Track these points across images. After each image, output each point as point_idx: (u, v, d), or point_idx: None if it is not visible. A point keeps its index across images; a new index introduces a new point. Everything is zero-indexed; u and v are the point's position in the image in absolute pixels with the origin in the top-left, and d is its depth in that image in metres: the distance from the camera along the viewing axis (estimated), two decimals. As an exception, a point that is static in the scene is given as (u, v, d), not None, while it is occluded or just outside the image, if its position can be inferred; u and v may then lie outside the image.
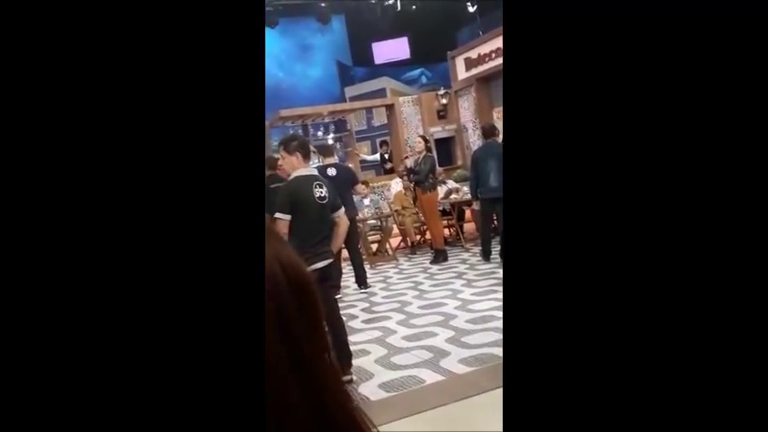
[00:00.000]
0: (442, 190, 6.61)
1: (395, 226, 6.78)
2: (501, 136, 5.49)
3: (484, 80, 8.19)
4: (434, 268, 5.59)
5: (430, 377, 2.85)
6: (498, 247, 5.51)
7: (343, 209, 3.04)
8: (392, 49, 14.42)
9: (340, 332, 2.90)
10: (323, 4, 11.35)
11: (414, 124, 9.15)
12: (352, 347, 3.09)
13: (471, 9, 11.23)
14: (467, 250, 6.24)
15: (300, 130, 8.92)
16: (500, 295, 3.86)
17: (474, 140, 8.29)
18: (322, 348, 0.34)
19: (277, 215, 2.77)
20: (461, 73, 8.69)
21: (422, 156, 5.86)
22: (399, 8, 11.79)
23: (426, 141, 6.13)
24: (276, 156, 5.62)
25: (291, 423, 0.31)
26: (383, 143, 9.81)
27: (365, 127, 11.31)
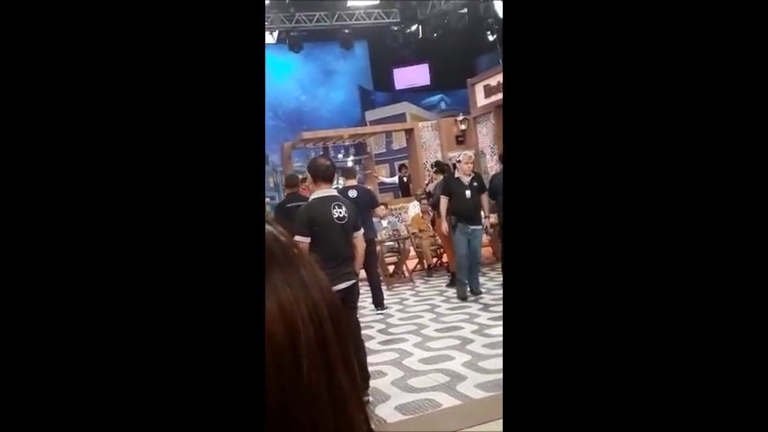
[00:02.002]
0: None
1: (412, 248, 6.83)
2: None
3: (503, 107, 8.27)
4: (451, 291, 5.59)
5: (446, 401, 2.87)
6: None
7: (362, 230, 3.08)
8: (413, 76, 14.65)
9: (360, 353, 2.94)
10: (346, 31, 11.64)
11: (432, 148, 9.26)
12: (369, 368, 3.12)
13: (491, 38, 11.40)
14: (483, 274, 6.23)
15: (321, 152, 9.10)
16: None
17: (492, 165, 8.36)
18: (351, 374, 0.34)
19: (297, 238, 2.84)
20: (480, 100, 8.80)
21: (439, 179, 5.95)
22: (421, 35, 12.03)
23: (435, 166, 6.38)
24: (299, 175, 5.85)
25: None
26: (402, 166, 9.92)
27: (384, 150, 11.46)
